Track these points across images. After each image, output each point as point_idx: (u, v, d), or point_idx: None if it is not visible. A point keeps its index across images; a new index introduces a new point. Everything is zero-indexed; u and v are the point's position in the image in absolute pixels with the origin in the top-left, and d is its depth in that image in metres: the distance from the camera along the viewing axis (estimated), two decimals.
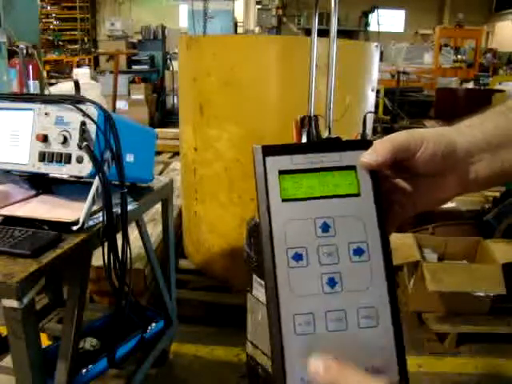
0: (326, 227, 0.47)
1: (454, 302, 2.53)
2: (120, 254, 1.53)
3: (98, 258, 1.57)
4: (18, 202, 1.51)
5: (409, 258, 2.55)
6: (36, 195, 1.57)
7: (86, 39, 15.15)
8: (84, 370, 1.64)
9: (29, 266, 1.17)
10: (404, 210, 0.53)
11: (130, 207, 1.56)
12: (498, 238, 2.83)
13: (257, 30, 8.69)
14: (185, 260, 3.02)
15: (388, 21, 17.05)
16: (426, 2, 18.36)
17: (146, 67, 9.19)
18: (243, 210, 2.45)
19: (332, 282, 0.45)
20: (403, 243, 2.62)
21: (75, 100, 1.43)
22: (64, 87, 6.06)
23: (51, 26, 14.91)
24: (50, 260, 1.22)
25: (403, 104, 8.47)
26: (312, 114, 1.61)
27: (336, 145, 0.50)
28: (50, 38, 13.64)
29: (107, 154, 1.41)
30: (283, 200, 0.47)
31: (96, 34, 16.50)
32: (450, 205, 3.26)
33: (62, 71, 9.92)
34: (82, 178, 1.46)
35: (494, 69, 13.36)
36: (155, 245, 2.40)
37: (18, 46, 3.62)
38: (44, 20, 14.31)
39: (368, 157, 0.48)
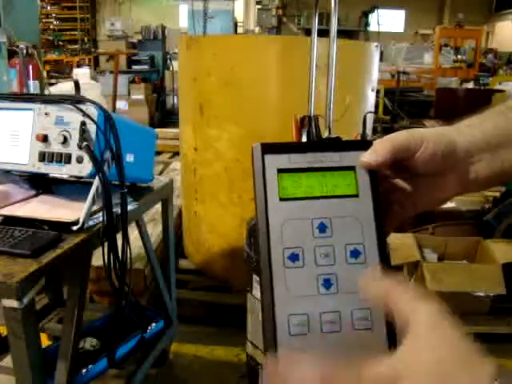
0: (323, 228, 0.46)
1: (454, 302, 2.51)
2: (120, 254, 1.53)
3: (98, 258, 1.57)
4: (18, 201, 1.51)
5: (409, 258, 2.54)
6: (36, 195, 1.57)
7: (85, 39, 15.15)
8: (84, 370, 1.64)
9: (29, 266, 1.17)
10: (404, 209, 0.53)
11: (130, 207, 1.56)
12: (497, 238, 2.82)
13: (257, 30, 8.69)
14: (185, 260, 3.01)
15: (388, 21, 17.07)
16: (426, 2, 18.37)
17: (146, 67, 9.19)
18: (243, 210, 2.45)
19: (328, 284, 0.45)
20: (403, 243, 2.62)
21: (75, 100, 1.43)
22: (64, 87, 6.06)
23: (51, 26, 14.92)
24: (50, 260, 1.22)
25: (403, 104, 8.47)
26: (312, 114, 1.62)
27: (336, 145, 0.50)
28: (50, 37, 13.65)
29: (107, 154, 1.41)
30: (281, 199, 0.47)
31: (96, 34, 16.51)
32: (449, 205, 3.26)
33: (62, 71, 9.93)
34: (82, 178, 1.47)
35: (493, 69, 13.36)
36: (155, 245, 2.40)
37: (18, 46, 3.62)
38: (44, 20, 14.31)
39: (368, 157, 0.48)
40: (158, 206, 2.03)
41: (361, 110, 2.50)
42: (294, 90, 2.19)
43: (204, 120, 2.57)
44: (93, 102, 1.43)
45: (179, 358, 2.32)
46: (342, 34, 13.57)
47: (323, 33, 1.76)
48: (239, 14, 8.90)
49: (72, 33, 15.17)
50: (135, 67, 9.20)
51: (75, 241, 1.32)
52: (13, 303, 1.12)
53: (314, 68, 1.68)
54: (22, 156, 1.45)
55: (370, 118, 2.94)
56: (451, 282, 2.40)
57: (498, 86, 8.58)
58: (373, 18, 16.11)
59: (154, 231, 2.71)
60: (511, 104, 0.55)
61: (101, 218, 1.42)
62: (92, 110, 1.39)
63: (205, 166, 2.64)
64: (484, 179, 0.52)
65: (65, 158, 1.40)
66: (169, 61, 9.05)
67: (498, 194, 3.40)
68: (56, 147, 1.41)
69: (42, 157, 1.42)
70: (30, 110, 1.46)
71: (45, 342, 2.07)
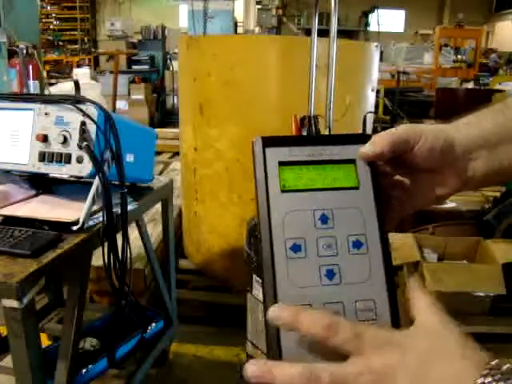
0: (325, 219, 0.47)
1: (454, 302, 2.53)
2: (120, 254, 1.53)
3: (98, 258, 1.57)
4: (17, 201, 1.51)
5: (409, 258, 2.54)
6: (36, 195, 1.57)
7: (86, 39, 15.15)
8: (84, 370, 1.63)
9: (29, 266, 1.17)
10: (403, 206, 0.54)
11: (130, 207, 1.56)
12: (497, 238, 2.82)
13: (257, 30, 8.67)
14: (185, 260, 3.01)
15: (388, 21, 17.07)
16: (426, 1, 18.37)
17: (146, 67, 9.18)
18: (243, 210, 2.45)
19: (331, 274, 0.45)
20: (403, 243, 2.62)
21: (75, 100, 1.43)
22: (64, 87, 6.06)
23: (51, 26, 14.92)
24: (49, 260, 1.22)
25: (403, 104, 8.45)
26: (312, 114, 1.62)
27: (336, 138, 0.50)
28: (50, 37, 13.64)
29: (107, 154, 1.41)
30: (282, 191, 0.47)
31: (96, 34, 16.51)
32: (449, 205, 3.26)
33: (62, 71, 9.91)
34: (82, 177, 1.46)
35: (495, 69, 13.36)
36: (155, 245, 2.40)
37: (18, 46, 3.62)
38: (44, 20, 14.31)
39: (367, 148, 0.49)
40: (158, 206, 2.03)
41: (361, 110, 2.50)
42: (294, 89, 2.19)
43: (204, 120, 2.57)
44: (93, 102, 1.43)
45: (179, 358, 2.32)
46: (341, 33, 13.57)
47: (323, 33, 1.76)
48: (239, 14, 8.89)
49: (72, 33, 15.16)
50: (135, 67, 9.19)
51: (75, 241, 1.32)
52: (13, 303, 1.12)
53: (314, 68, 1.69)
54: (22, 156, 1.45)
55: (370, 118, 2.93)
56: (451, 282, 2.40)
57: (497, 86, 8.58)
58: (373, 18, 16.12)
59: (154, 231, 2.71)
60: (509, 102, 0.55)
61: (101, 218, 1.42)
62: (92, 110, 1.39)
63: (205, 165, 2.64)
64: (482, 176, 0.52)
65: (65, 158, 1.40)
66: (169, 61, 9.04)
67: (498, 194, 3.39)
68: (56, 147, 1.41)
69: (42, 157, 1.42)
70: (30, 109, 1.46)
71: (45, 342, 2.07)
